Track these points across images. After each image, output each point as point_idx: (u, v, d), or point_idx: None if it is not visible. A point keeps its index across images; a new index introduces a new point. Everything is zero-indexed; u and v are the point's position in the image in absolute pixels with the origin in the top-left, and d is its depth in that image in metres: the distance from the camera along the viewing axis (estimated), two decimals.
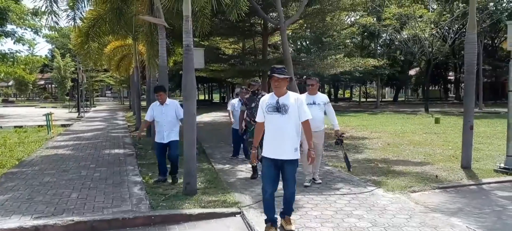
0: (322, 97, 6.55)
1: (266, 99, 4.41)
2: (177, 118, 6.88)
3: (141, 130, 7.98)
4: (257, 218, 4.96)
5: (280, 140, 4.24)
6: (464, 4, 28.21)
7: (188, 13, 6.15)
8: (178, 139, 6.89)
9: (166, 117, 6.80)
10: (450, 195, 6.14)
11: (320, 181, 6.74)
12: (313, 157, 4.38)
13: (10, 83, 59.34)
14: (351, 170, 7.28)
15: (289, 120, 4.25)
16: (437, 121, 18.08)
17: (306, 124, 4.34)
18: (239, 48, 22.35)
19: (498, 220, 4.96)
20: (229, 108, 9.53)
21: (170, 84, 24.44)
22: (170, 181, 6.95)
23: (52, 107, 34.37)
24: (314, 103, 6.31)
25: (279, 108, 4.24)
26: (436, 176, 7.23)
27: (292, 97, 4.32)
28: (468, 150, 7.91)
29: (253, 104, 6.75)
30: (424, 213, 5.14)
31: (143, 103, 17.97)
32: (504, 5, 31.74)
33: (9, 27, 21.95)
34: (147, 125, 7.28)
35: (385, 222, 4.80)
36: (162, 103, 6.83)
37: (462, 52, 37.61)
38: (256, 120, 4.59)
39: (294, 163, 4.31)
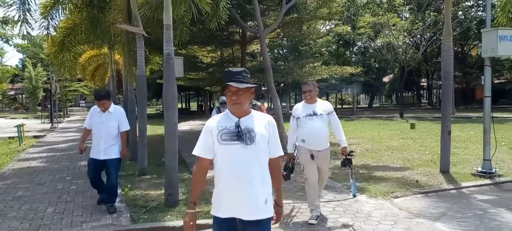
0: (323, 106, 5.16)
1: (218, 121, 2.64)
2: (118, 130, 5.76)
3: (82, 141, 6.05)
4: None
5: (241, 188, 2.55)
6: (435, 13, 29.13)
7: (169, 22, 6.06)
8: (118, 156, 5.74)
9: (106, 127, 5.64)
10: (432, 199, 6.22)
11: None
12: (278, 219, 2.76)
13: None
14: (357, 195, 6.15)
15: (257, 154, 2.56)
16: (412, 126, 18.44)
17: (276, 163, 2.73)
18: (218, 56, 22.26)
19: (480, 224, 5.05)
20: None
21: (147, 93, 24.11)
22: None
23: (24, 118, 33.28)
24: (314, 114, 5.05)
25: (240, 135, 2.54)
26: (417, 181, 7.33)
27: (261, 119, 2.64)
28: (447, 155, 8.06)
29: None
30: (409, 218, 5.18)
31: None
32: (472, 14, 32.89)
33: None
34: (87, 134, 5.93)
35: (371, 228, 4.81)
36: (103, 110, 5.69)
37: (434, 59, 38.75)
38: (195, 153, 2.69)
39: (264, 225, 2.60)
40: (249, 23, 16.57)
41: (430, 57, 40.17)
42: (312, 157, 5.05)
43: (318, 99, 5.24)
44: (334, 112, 5.26)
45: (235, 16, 12.63)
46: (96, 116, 5.74)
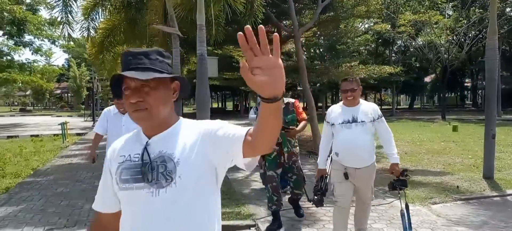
0: (368, 110, 3.94)
1: (122, 146, 1.58)
2: None
3: (93, 148, 5.15)
4: None
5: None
6: (481, 10, 27.80)
7: (202, 22, 6.10)
8: None
9: (127, 131, 4.05)
10: (473, 207, 5.90)
11: None
12: None
13: (27, 93, 60.40)
14: None
15: (179, 204, 1.40)
16: (455, 128, 17.69)
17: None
18: None
19: None
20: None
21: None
22: None
23: (68, 116, 34.78)
24: (353, 120, 3.87)
25: (145, 172, 1.53)
26: (457, 186, 6.99)
27: (192, 130, 1.47)
28: (490, 160, 7.63)
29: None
30: (447, 226, 4.93)
31: None
32: None
33: (27, 37, 22.34)
34: (99, 140, 5.01)
35: None
36: (123, 112, 4.67)
37: (479, 58, 37.03)
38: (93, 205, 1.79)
39: None
40: (284, 22, 16.46)
41: (475, 56, 38.42)
42: (346, 175, 3.89)
43: (361, 100, 4.02)
44: (383, 119, 4.03)
45: (270, 15, 12.57)
46: (113, 119, 4.77)
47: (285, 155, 4.95)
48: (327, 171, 4.10)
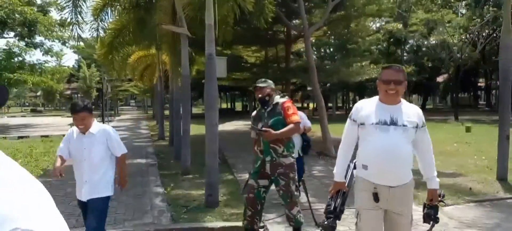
0: (412, 112, 2.98)
1: None
2: (111, 156, 3.95)
3: (56, 169, 3.91)
4: None
5: None
6: (494, 9, 27.35)
7: (211, 22, 6.05)
8: (108, 194, 3.88)
9: (90, 156, 3.79)
10: (486, 209, 5.76)
11: None
12: None
13: (38, 93, 61.18)
14: None
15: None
16: (468, 129, 17.41)
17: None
18: (262, 56, 22.24)
19: None
20: None
21: (193, 93, 24.55)
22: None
23: None
24: (392, 123, 2.88)
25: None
26: (470, 188, 6.84)
27: None
28: (504, 161, 7.47)
29: (259, 123, 4.29)
30: (459, 228, 4.82)
31: (166, 112, 18.03)
32: None
33: (38, 38, 22.57)
34: (62, 163, 3.92)
35: None
36: (84, 131, 3.79)
37: (493, 58, 36.44)
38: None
39: None
40: (293, 22, 16.38)
41: (489, 56, 37.85)
42: (376, 197, 2.87)
43: (403, 100, 3.02)
44: (426, 128, 3.07)
45: (279, 15, 12.50)
46: (75, 141, 3.87)
47: (267, 165, 4.18)
48: (346, 185, 3.15)
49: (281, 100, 4.29)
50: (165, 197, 6.52)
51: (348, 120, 3.11)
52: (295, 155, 5.06)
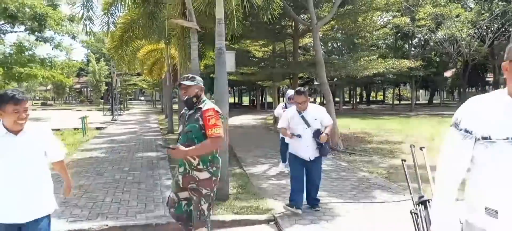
0: None
1: None
2: (46, 163, 3.03)
3: None
4: (292, 227, 4.81)
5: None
6: (504, 3, 27.08)
7: (221, 16, 6.09)
8: (49, 213, 3.00)
9: (21, 160, 2.81)
10: None
11: None
12: None
13: (48, 87, 61.65)
14: None
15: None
16: None
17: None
18: (269, 50, 22.24)
19: None
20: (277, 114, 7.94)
21: None
22: None
23: (88, 110, 35.38)
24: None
25: None
26: None
27: None
28: None
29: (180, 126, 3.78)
30: None
31: (175, 106, 18.16)
32: None
33: (48, 33, 22.74)
34: None
35: None
36: (17, 130, 2.83)
37: (501, 52, 36.11)
38: None
39: None
40: (301, 16, 16.36)
41: (498, 50, 37.51)
42: None
43: None
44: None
45: (287, 9, 12.50)
46: (3, 142, 2.79)
47: (179, 177, 3.62)
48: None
49: (204, 106, 3.52)
50: None
51: (452, 131, 1.93)
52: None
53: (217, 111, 3.54)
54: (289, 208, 5.20)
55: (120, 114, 29.69)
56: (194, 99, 3.58)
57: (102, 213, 5.38)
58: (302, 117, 5.22)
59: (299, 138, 5.21)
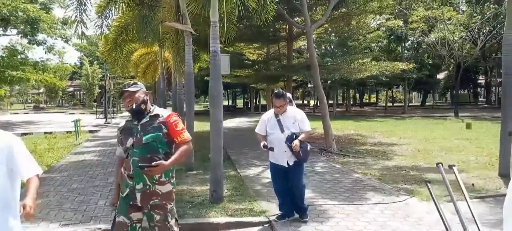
0: None
1: None
2: (13, 182, 2.51)
3: None
4: (286, 228, 4.82)
5: None
6: (495, 6, 27.34)
7: (216, 19, 6.10)
8: None
9: None
10: (489, 205, 5.82)
11: None
12: None
13: (41, 90, 61.20)
14: None
15: None
16: (468, 126, 17.46)
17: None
18: (264, 53, 22.28)
19: None
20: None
21: (195, 90, 24.67)
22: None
23: (80, 113, 35.14)
24: None
25: None
26: (473, 184, 6.90)
27: None
28: (506, 158, 7.51)
29: (129, 138, 3.23)
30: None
31: (169, 109, 18.13)
32: None
33: (40, 36, 22.61)
34: None
35: None
36: None
37: (493, 55, 36.48)
38: None
39: None
40: (296, 19, 16.42)
41: (489, 53, 37.86)
42: None
43: None
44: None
45: (281, 12, 12.53)
46: None
47: (138, 195, 3.11)
48: None
49: (164, 112, 3.28)
50: None
51: None
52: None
53: (178, 114, 3.42)
54: (278, 221, 5.00)
55: (113, 118, 29.54)
56: (143, 106, 3.18)
57: (96, 216, 5.35)
58: (278, 121, 4.90)
59: (271, 151, 4.84)
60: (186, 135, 3.20)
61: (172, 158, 3.06)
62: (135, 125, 3.19)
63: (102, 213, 5.52)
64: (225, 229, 4.95)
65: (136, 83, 3.30)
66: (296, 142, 4.70)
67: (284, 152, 4.83)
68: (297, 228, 4.85)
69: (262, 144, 4.91)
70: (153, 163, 2.99)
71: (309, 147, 4.96)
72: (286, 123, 4.86)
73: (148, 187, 3.11)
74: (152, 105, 3.28)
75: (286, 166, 4.88)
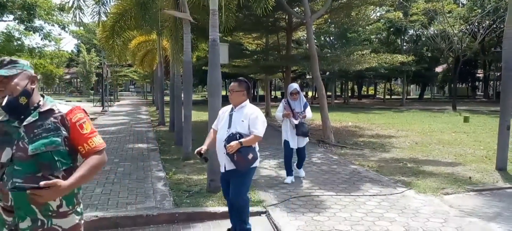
0: None
1: None
2: None
3: None
4: (284, 218, 4.81)
5: None
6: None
7: (215, 7, 6.03)
8: None
9: None
10: (486, 198, 5.82)
11: None
12: None
13: (38, 77, 60.85)
14: None
15: None
16: (466, 119, 17.49)
17: None
18: (263, 43, 22.14)
19: None
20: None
21: (193, 79, 24.59)
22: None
23: (78, 101, 35.02)
24: None
25: None
26: (470, 177, 6.91)
27: None
28: (504, 151, 7.52)
29: (6, 148, 2.03)
30: (460, 217, 4.88)
31: (167, 98, 18.03)
32: None
33: (37, 22, 22.38)
34: None
35: (419, 226, 4.56)
36: None
37: (492, 49, 36.46)
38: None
39: None
40: (295, 9, 16.30)
41: (488, 46, 37.84)
42: None
43: None
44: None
45: (281, 2, 12.42)
46: None
47: None
48: None
49: (63, 107, 2.16)
50: (167, 181, 6.56)
51: None
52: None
53: (85, 110, 2.22)
54: None
55: (110, 106, 29.44)
56: (23, 100, 2.06)
57: (92, 204, 5.33)
58: (230, 116, 4.12)
59: (204, 161, 4.29)
60: (97, 141, 2.13)
61: (76, 174, 1.99)
62: (15, 128, 2.05)
63: (99, 201, 5.49)
64: (222, 219, 4.93)
65: (15, 62, 2.11)
66: (232, 143, 3.82)
67: (223, 153, 4.01)
68: (294, 217, 4.85)
69: (201, 148, 3.99)
70: (41, 183, 1.84)
71: (251, 155, 3.93)
72: (236, 119, 4.05)
73: (39, 223, 2.03)
74: (42, 96, 2.18)
75: (223, 170, 4.13)
